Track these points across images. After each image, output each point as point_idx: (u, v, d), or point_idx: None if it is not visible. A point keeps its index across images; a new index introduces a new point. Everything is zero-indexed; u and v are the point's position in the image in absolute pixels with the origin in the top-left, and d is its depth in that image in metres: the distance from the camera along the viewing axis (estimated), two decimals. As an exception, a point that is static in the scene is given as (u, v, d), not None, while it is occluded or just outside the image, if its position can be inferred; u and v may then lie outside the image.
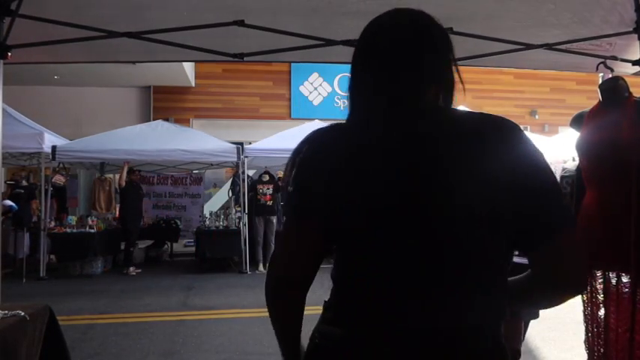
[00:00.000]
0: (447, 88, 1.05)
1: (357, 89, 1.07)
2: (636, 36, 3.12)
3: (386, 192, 0.96)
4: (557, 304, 1.05)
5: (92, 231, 9.11)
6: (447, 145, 0.96)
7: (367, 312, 0.98)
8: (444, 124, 0.99)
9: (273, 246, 9.39)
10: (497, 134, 0.98)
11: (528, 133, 10.18)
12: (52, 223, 9.33)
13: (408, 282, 0.96)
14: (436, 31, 1.06)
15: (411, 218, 0.95)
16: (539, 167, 0.98)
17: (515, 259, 3.31)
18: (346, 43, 3.31)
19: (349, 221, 0.99)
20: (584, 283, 1.04)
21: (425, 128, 0.98)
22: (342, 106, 13.00)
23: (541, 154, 1.00)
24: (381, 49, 1.03)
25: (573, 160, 3.98)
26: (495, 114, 1.03)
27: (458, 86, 1.07)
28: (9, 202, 8.64)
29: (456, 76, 1.07)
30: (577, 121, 2.86)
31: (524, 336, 2.94)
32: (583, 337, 2.83)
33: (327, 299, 1.08)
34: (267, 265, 1.07)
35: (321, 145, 1.04)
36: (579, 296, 2.82)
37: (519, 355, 2.84)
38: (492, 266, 1.00)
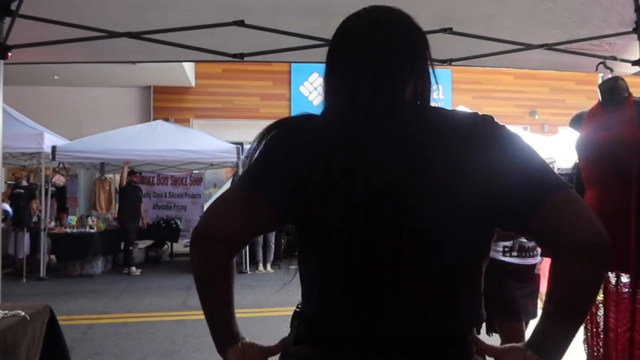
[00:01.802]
0: (425, 87, 1.02)
1: (333, 86, 1.04)
2: (636, 36, 3.12)
3: (358, 192, 0.92)
4: (592, 273, 0.89)
5: (92, 231, 9.11)
6: (425, 144, 0.94)
7: (341, 329, 0.96)
8: (421, 123, 0.97)
9: (273, 246, 9.40)
10: (474, 132, 0.96)
11: (528, 133, 10.18)
12: (52, 223, 9.33)
13: (379, 292, 0.93)
14: (414, 30, 1.04)
15: (384, 221, 0.92)
16: (517, 153, 0.94)
17: (514, 260, 3.28)
18: (346, 43, 3.31)
19: (319, 217, 0.96)
20: (597, 238, 0.85)
21: (402, 127, 0.96)
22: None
23: (519, 139, 0.97)
24: (359, 47, 1.01)
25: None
26: (488, 113, 1.01)
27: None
28: (5, 207, 8.60)
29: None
30: (577, 121, 2.86)
31: (524, 336, 2.94)
32: (582, 337, 2.83)
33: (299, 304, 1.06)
34: (200, 219, 1.01)
35: (294, 129, 1.02)
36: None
37: None
38: (468, 272, 0.98)
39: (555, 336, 0.93)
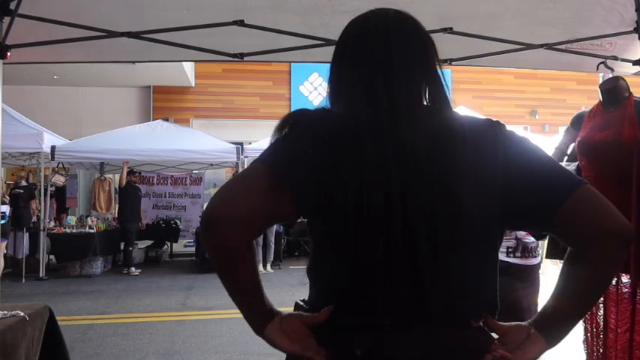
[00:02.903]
0: (437, 89, 1.03)
1: (343, 87, 1.04)
2: (637, 36, 3.12)
3: (378, 191, 0.93)
4: (615, 264, 0.99)
5: (92, 231, 9.11)
6: (449, 147, 0.95)
7: (364, 319, 0.96)
8: (442, 126, 0.99)
9: (273, 246, 9.40)
10: (490, 136, 0.99)
11: (528, 133, 10.21)
12: (52, 224, 9.33)
13: (397, 285, 0.94)
14: (423, 33, 1.06)
15: (420, 220, 0.93)
16: (529, 155, 0.99)
17: (517, 261, 3.28)
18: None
19: (337, 214, 0.95)
20: (621, 229, 0.92)
21: (416, 129, 0.97)
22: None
23: (527, 141, 1.01)
24: (370, 48, 1.02)
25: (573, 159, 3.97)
26: (490, 115, 1.05)
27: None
28: (4, 209, 8.55)
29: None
30: (577, 121, 2.86)
31: None
32: (582, 337, 2.83)
33: (301, 299, 1.05)
34: (212, 199, 0.93)
35: (319, 123, 0.99)
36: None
37: None
38: (491, 265, 1.01)
39: (563, 318, 1.00)
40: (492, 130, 1.00)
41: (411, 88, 1.01)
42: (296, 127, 0.98)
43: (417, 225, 0.93)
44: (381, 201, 0.93)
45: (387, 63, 1.01)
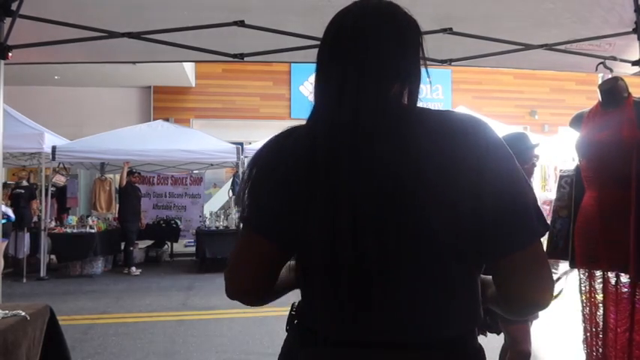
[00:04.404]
0: (413, 85, 0.97)
1: (320, 86, 1.01)
2: (635, 36, 3.13)
3: (343, 196, 0.91)
4: (517, 317, 1.03)
5: (92, 231, 9.12)
6: (413, 148, 0.90)
7: (330, 331, 0.95)
8: (408, 125, 0.93)
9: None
10: (464, 136, 0.92)
11: (528, 133, 10.29)
12: (53, 223, 9.34)
13: (367, 300, 0.92)
14: (404, 24, 0.99)
15: (371, 225, 0.90)
16: (508, 176, 0.92)
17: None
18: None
19: (306, 231, 0.94)
20: (542, 303, 0.93)
21: (389, 129, 0.92)
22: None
23: (510, 158, 0.94)
24: (345, 45, 0.97)
25: (573, 160, 3.98)
26: (489, 115, 1.00)
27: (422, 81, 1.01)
28: (8, 211, 8.55)
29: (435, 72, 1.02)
30: (576, 122, 2.87)
31: (531, 336, 2.95)
32: (582, 337, 2.84)
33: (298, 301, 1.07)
34: (226, 273, 1.06)
35: (278, 148, 1.01)
36: (578, 296, 2.83)
37: (529, 356, 2.87)
38: (459, 274, 0.95)
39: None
40: (473, 130, 0.94)
41: (382, 88, 0.95)
42: (259, 167, 1.02)
43: (368, 242, 0.89)
44: (326, 217, 0.91)
45: (359, 62, 0.95)
